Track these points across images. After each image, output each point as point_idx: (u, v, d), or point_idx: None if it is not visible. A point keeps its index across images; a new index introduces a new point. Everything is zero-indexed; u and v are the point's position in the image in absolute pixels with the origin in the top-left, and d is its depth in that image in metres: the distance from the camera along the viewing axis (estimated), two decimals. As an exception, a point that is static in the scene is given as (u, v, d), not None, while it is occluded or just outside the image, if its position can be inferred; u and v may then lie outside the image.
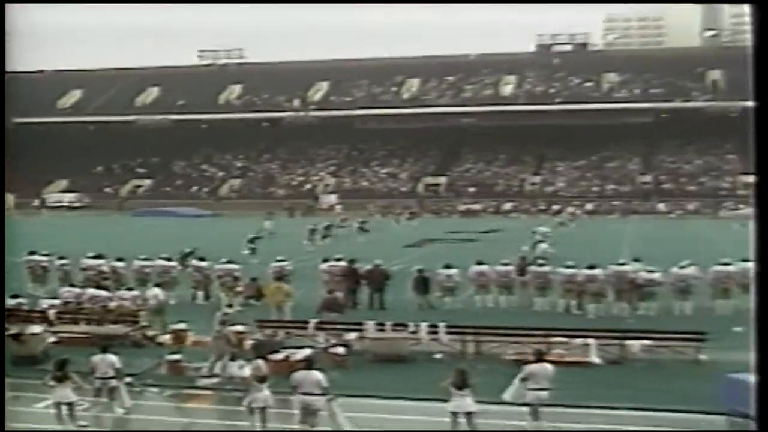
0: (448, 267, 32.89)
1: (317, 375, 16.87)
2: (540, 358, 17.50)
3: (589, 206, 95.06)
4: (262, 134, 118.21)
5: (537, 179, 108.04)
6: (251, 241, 48.35)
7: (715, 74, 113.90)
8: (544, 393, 16.74)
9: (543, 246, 45.71)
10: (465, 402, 16.14)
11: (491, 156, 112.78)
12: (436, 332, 23.96)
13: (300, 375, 17.07)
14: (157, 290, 29.44)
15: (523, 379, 17.04)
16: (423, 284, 32.10)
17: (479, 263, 33.22)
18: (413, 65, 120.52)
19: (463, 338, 23.74)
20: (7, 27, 13.11)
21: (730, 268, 31.50)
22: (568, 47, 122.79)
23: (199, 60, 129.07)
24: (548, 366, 17.15)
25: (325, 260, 34.54)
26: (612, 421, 17.68)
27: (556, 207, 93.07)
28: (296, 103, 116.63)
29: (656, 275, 30.51)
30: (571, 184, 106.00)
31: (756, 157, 9.31)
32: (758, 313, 9.05)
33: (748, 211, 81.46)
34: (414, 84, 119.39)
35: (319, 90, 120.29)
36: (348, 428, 16.72)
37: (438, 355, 23.06)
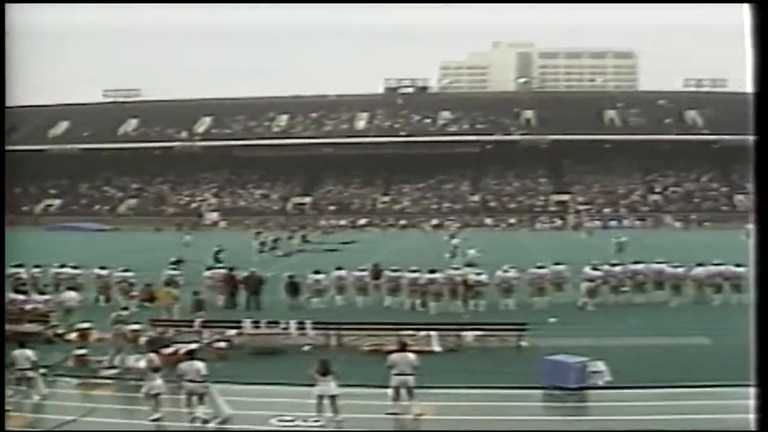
0: (317, 272, 33.02)
1: (199, 365, 16.82)
2: (402, 348, 17.78)
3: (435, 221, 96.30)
4: (155, 161, 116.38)
5: (386, 199, 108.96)
6: (217, 253, 46.38)
7: (528, 113, 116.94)
8: (407, 377, 16.98)
9: (471, 252, 46.47)
10: (329, 387, 16.31)
11: (348, 180, 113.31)
12: (304, 328, 24.03)
13: (184, 365, 17.00)
14: (72, 293, 28.81)
15: (389, 367, 17.26)
16: (293, 288, 32.07)
17: (338, 268, 33.53)
18: (283, 103, 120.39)
19: (327, 333, 23.85)
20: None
21: (544, 270, 32.55)
22: (411, 89, 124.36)
23: (103, 98, 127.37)
24: (410, 355, 17.41)
25: (209, 268, 34.21)
26: (452, 399, 18.05)
27: (402, 222, 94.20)
28: (184, 134, 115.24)
29: (483, 277, 31.19)
30: (414, 202, 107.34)
31: (756, 159, 8.42)
32: (758, 312, 8.13)
33: (559, 223, 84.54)
34: (283, 119, 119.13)
35: (203, 123, 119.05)
36: (228, 410, 16.64)
37: (306, 348, 23.08)
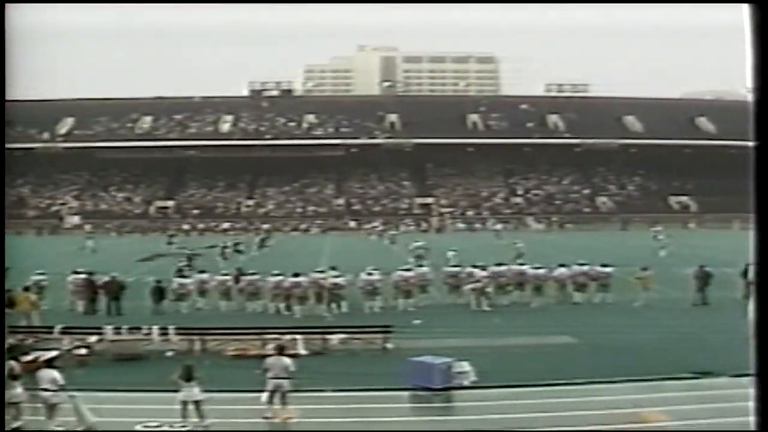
0: (182, 276, 32.45)
1: (54, 373, 16.28)
2: (279, 351, 17.64)
3: (303, 225, 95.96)
4: (16, 162, 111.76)
5: (251, 203, 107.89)
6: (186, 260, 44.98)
7: (392, 117, 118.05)
8: (282, 381, 16.83)
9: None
10: (192, 392, 16.02)
11: (212, 183, 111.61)
12: (166, 333, 23.54)
13: (41, 373, 16.39)
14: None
15: (264, 370, 17.07)
16: (159, 292, 31.53)
17: (201, 272, 33.10)
18: (146, 104, 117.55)
19: (190, 338, 23.43)
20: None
21: (410, 273, 32.85)
22: (275, 92, 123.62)
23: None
24: (285, 359, 17.26)
25: (75, 272, 33.12)
26: (319, 401, 17.96)
27: (267, 226, 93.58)
28: (46, 135, 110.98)
29: (341, 280, 31.18)
30: (279, 206, 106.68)
31: (756, 160, 8.38)
32: (758, 312, 8.23)
33: (424, 226, 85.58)
34: (147, 121, 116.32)
35: (66, 124, 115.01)
36: (91, 418, 16.11)
37: (169, 353, 22.59)
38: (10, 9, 11.83)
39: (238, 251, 54.79)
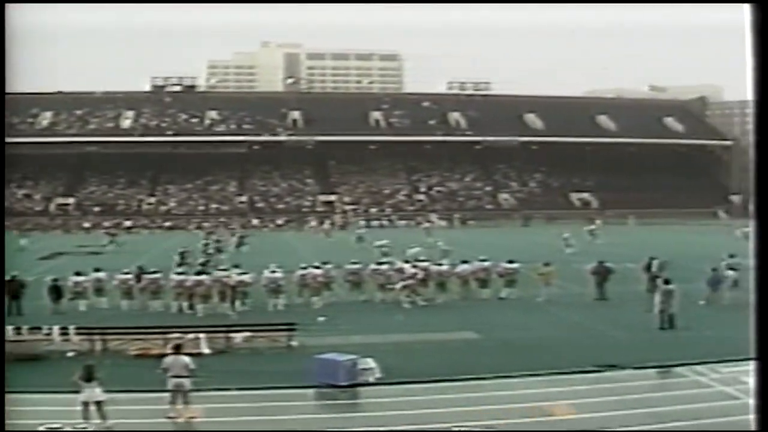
0: (78, 274, 31.55)
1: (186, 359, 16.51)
2: (176, 350, 17.24)
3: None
4: None
5: (152, 200, 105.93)
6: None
7: (295, 114, 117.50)
8: (182, 380, 16.46)
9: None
10: (94, 392, 15.64)
11: (112, 179, 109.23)
12: (67, 333, 22.88)
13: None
14: None
15: (164, 370, 16.68)
16: (56, 291, 30.62)
17: (97, 270, 32.30)
18: (47, 100, 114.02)
19: (91, 338, 22.87)
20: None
21: (317, 270, 32.63)
22: (178, 88, 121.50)
23: None
24: (184, 357, 16.91)
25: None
26: (223, 400, 17.66)
27: (168, 224, 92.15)
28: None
29: (246, 277, 30.91)
30: (181, 204, 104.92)
31: (756, 160, 8.30)
32: (758, 312, 8.25)
33: (328, 226, 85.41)
34: (47, 116, 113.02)
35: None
36: None
37: (70, 354, 21.93)
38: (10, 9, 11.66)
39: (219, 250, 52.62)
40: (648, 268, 33.98)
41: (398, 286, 31.84)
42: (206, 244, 53.47)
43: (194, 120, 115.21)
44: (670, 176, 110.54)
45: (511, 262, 33.90)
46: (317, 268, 32.75)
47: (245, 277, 30.78)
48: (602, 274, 33.18)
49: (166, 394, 16.54)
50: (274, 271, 31.61)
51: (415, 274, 32.08)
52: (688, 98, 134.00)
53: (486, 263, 33.91)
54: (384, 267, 33.33)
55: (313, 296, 31.57)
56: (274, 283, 31.00)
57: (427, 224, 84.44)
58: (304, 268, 32.76)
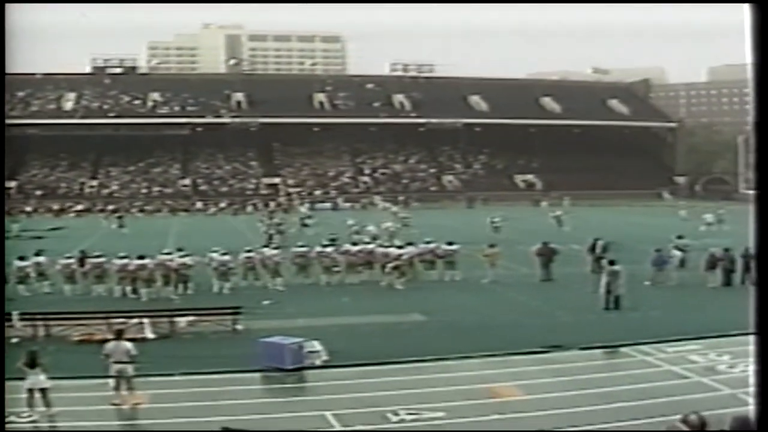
0: (21, 259, 30.98)
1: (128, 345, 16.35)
2: (118, 336, 16.92)
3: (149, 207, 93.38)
4: None
5: (94, 183, 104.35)
6: None
7: (238, 95, 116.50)
8: (125, 366, 16.18)
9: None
10: (38, 379, 15.36)
11: (54, 162, 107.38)
12: (9, 319, 22.32)
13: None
14: None
15: (106, 356, 16.38)
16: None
17: (37, 254, 31.73)
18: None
19: (34, 323, 22.47)
20: None
21: (253, 254, 32.49)
22: (119, 69, 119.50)
23: None
24: (126, 343, 16.59)
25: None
26: (169, 386, 17.43)
27: (111, 207, 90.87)
28: None
29: (191, 260, 30.77)
30: (123, 186, 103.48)
31: (756, 156, 8.17)
32: (758, 312, 8.20)
33: (273, 206, 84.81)
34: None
35: None
36: None
37: (14, 340, 21.45)
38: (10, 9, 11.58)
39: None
40: (593, 249, 34.33)
41: (388, 268, 31.81)
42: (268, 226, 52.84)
43: (136, 102, 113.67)
44: (614, 158, 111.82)
45: (450, 243, 33.88)
46: (264, 250, 32.68)
47: (187, 260, 30.52)
48: (547, 255, 33.42)
49: (110, 381, 16.27)
50: (225, 254, 31.50)
51: (401, 255, 32.17)
52: (631, 80, 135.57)
53: (431, 245, 33.97)
54: (329, 249, 33.20)
55: (256, 280, 31.60)
56: (223, 266, 30.83)
57: (388, 205, 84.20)
58: (249, 251, 32.61)
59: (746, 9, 7.86)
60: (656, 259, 31.38)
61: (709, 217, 56.33)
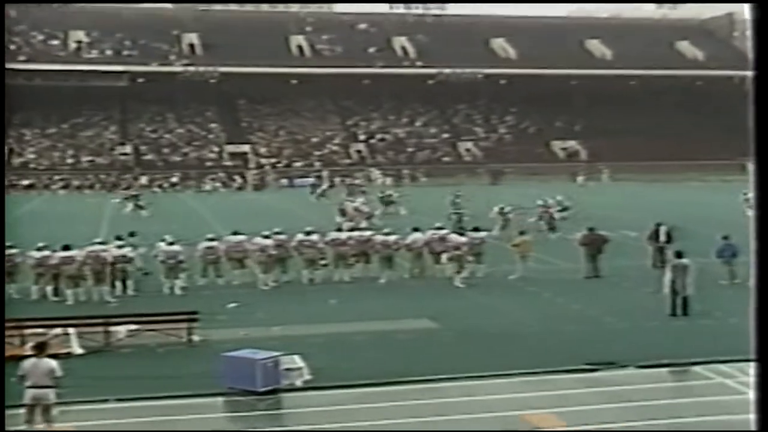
0: None
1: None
2: (39, 352, 16.74)
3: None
4: None
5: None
6: None
7: (192, 37, 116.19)
8: (45, 391, 16.00)
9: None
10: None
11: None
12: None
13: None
14: None
15: (21, 377, 16.23)
16: None
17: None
18: None
19: None
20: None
21: (216, 243, 32.48)
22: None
23: None
24: (49, 361, 16.42)
25: None
26: (101, 416, 17.42)
27: (26, 182, 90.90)
28: None
29: (133, 252, 30.91)
30: (41, 155, 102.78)
31: (756, 158, 9.31)
32: (758, 308, 9.10)
33: (238, 181, 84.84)
34: None
35: None
36: None
37: None
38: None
39: None
40: (655, 236, 34.26)
41: (444, 258, 32.03)
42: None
43: (54, 42, 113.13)
44: (684, 118, 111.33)
45: (476, 230, 33.91)
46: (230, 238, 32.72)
47: (128, 251, 30.53)
48: (595, 244, 33.40)
49: (22, 410, 16.17)
50: (171, 243, 31.58)
51: (462, 243, 32.35)
52: (709, 16, 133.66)
53: (443, 232, 33.95)
54: (314, 238, 33.16)
55: (219, 276, 31.77)
56: (172, 259, 30.89)
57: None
58: (211, 239, 32.60)
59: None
60: (723, 249, 31.27)
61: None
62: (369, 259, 33.02)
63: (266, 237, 32.46)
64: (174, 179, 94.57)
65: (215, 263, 31.97)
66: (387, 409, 17.56)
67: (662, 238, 33.82)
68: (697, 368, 20.26)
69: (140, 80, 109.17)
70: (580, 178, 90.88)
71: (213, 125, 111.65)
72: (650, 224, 35.59)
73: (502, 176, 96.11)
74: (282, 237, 33.34)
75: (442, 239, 33.53)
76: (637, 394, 18.37)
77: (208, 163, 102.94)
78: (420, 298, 29.10)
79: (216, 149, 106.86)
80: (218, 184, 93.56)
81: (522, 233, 34.34)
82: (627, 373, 19.90)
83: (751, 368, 19.93)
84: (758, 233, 9.30)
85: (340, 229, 35.11)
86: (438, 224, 35.32)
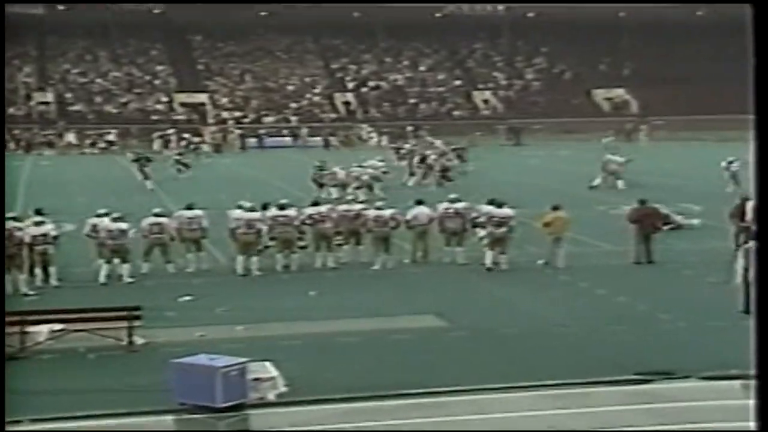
0: None
1: None
2: None
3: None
4: None
5: None
6: None
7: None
8: None
9: None
10: None
11: None
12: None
13: None
14: None
15: None
16: None
17: None
18: None
19: None
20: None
21: (165, 219, 32.48)
22: None
23: None
24: None
25: None
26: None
27: None
28: None
29: (56, 229, 31.11)
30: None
31: (756, 159, 10.70)
32: (758, 311, 10.35)
33: (196, 140, 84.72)
34: None
35: None
36: None
37: None
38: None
39: None
40: (739, 215, 33.74)
41: (481, 234, 32.49)
42: None
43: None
44: None
45: (499, 205, 33.60)
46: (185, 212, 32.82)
47: (50, 229, 30.60)
48: (648, 222, 33.34)
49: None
50: (116, 219, 31.56)
51: (492, 217, 32.43)
52: None
53: (458, 205, 33.93)
54: (290, 213, 33.12)
55: (168, 262, 31.80)
56: (112, 239, 30.94)
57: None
58: (158, 214, 32.67)
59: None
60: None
61: None
62: (359, 239, 33.12)
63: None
64: (110, 137, 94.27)
65: (163, 245, 31.90)
66: (380, 429, 17.66)
67: (749, 215, 33.45)
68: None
69: (60, 8, 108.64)
70: (641, 136, 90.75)
71: (159, 68, 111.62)
72: (721, 195, 35.52)
73: (523, 133, 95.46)
74: (255, 214, 33.23)
75: (458, 214, 33.48)
76: (701, 413, 18.42)
77: (154, 117, 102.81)
78: (423, 289, 29.27)
79: (164, 99, 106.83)
80: (168, 144, 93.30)
81: (555, 208, 34.08)
82: (687, 386, 19.91)
83: None
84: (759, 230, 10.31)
85: (317, 203, 34.87)
86: (453, 195, 35.23)
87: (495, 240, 32.36)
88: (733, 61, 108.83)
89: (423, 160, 58.51)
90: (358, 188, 48.65)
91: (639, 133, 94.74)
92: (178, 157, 65.96)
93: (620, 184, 52.58)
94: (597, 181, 53.26)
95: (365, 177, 51.14)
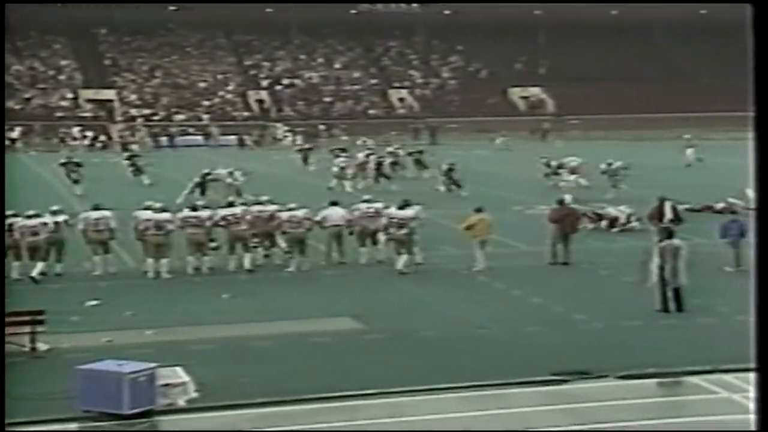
0: None
1: None
2: None
3: None
4: None
5: None
6: None
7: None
8: None
9: None
10: None
11: None
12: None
13: None
14: None
15: None
16: None
17: None
18: None
19: None
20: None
21: (65, 217, 32.31)
22: None
23: None
24: None
25: None
26: None
27: None
28: None
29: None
30: None
31: (756, 159, 10.43)
32: (758, 310, 10.30)
33: (102, 140, 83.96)
34: None
35: None
36: None
37: None
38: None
39: None
40: (658, 215, 33.92)
41: (382, 239, 32.44)
42: None
43: None
44: (681, 58, 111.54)
45: (402, 207, 33.43)
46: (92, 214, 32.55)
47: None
48: (564, 222, 33.46)
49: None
50: (31, 216, 31.43)
51: (393, 218, 32.47)
52: None
53: (374, 206, 34.05)
54: (202, 214, 32.99)
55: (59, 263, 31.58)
56: (32, 236, 30.82)
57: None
58: (57, 211, 32.57)
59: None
60: (728, 227, 31.44)
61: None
62: (274, 241, 33.04)
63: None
64: (13, 134, 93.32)
65: (57, 244, 31.69)
66: (295, 433, 17.67)
67: (668, 216, 33.75)
68: (693, 379, 20.40)
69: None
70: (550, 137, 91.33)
71: (64, 62, 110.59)
72: (653, 198, 35.60)
73: (439, 132, 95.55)
74: (165, 215, 33.05)
75: (378, 214, 33.53)
76: (617, 413, 18.56)
77: (59, 114, 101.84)
78: (340, 291, 29.32)
79: (69, 95, 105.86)
80: (72, 142, 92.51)
81: (479, 210, 33.85)
82: (604, 386, 20.09)
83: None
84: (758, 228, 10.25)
85: (231, 204, 34.82)
86: (366, 196, 35.35)
87: (397, 242, 32.58)
88: (650, 61, 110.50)
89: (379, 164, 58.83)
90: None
91: (550, 133, 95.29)
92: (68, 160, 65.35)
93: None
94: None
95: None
